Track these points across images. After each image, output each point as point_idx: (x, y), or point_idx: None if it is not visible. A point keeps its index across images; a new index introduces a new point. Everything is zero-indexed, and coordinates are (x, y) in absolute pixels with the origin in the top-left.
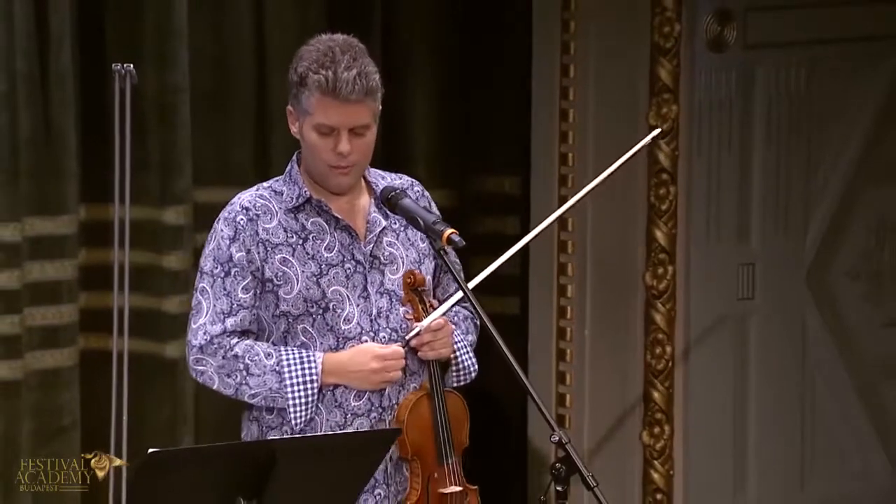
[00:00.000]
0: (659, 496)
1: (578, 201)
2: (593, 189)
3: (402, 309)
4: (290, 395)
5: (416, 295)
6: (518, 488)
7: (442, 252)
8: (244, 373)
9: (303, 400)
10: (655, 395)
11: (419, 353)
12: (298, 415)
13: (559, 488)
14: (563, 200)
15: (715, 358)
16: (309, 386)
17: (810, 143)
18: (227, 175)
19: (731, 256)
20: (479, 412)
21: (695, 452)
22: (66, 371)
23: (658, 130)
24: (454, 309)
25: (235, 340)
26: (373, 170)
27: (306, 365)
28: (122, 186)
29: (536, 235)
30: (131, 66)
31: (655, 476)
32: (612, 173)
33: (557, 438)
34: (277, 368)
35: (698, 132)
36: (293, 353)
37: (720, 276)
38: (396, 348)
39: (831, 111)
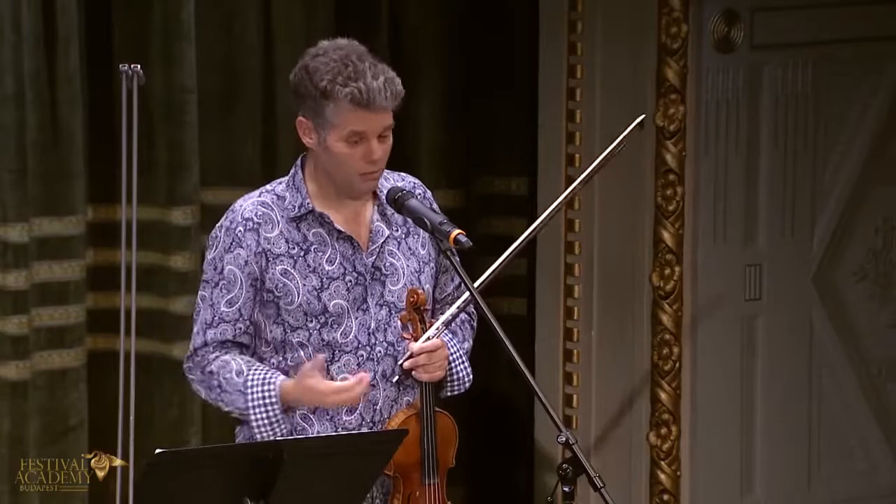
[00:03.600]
0: (666, 497)
1: (573, 192)
2: (590, 178)
3: (395, 325)
4: (252, 416)
5: (418, 314)
6: (525, 489)
7: (448, 253)
8: (218, 389)
9: (265, 420)
10: (662, 395)
11: (413, 374)
12: (263, 435)
13: (566, 489)
14: (569, 201)
15: (722, 358)
16: (269, 407)
17: (817, 144)
18: (235, 176)
19: (738, 257)
20: (485, 412)
21: (702, 453)
22: (73, 371)
23: (643, 116)
24: (453, 312)
25: (214, 355)
26: None
27: (266, 387)
28: (130, 187)
29: (539, 228)
30: (139, 66)
31: (662, 477)
32: (607, 161)
33: (564, 439)
34: (242, 389)
35: (705, 132)
36: (257, 374)
37: (727, 276)
38: (350, 383)
39: (838, 111)
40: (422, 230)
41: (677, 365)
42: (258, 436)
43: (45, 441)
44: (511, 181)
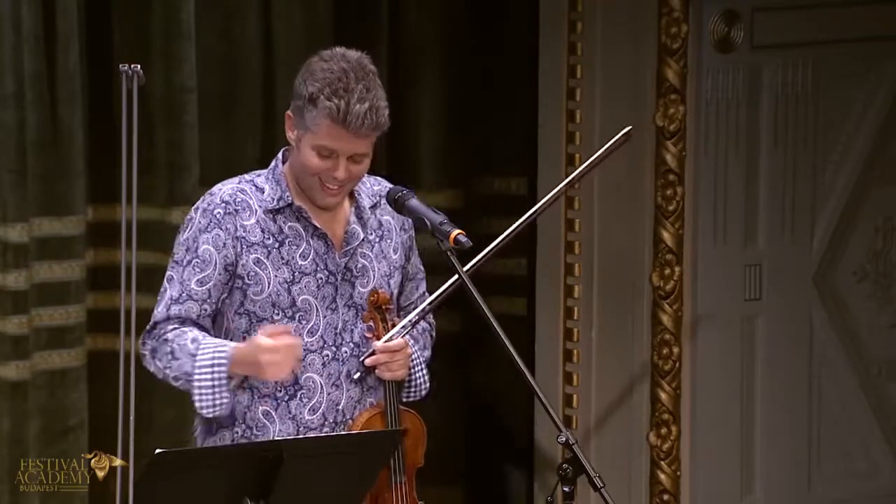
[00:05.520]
0: (666, 497)
1: (560, 192)
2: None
3: (361, 326)
4: (195, 378)
5: (379, 314)
6: (525, 489)
7: (448, 253)
8: (169, 356)
9: (207, 383)
10: (662, 395)
11: (376, 372)
12: (202, 398)
13: (566, 489)
14: (569, 201)
15: (722, 358)
16: (216, 370)
17: (817, 144)
18: (234, 176)
19: (737, 257)
20: (485, 412)
21: (702, 453)
22: (73, 371)
23: (629, 128)
24: (417, 314)
25: (172, 327)
26: None
27: (218, 349)
28: (130, 187)
29: (520, 228)
30: (138, 66)
31: (662, 477)
32: (591, 168)
33: (564, 439)
34: (194, 352)
35: (705, 133)
36: (212, 340)
37: (727, 276)
38: (286, 340)
39: (838, 111)
40: (394, 235)
41: (677, 365)
42: (196, 403)
43: (45, 441)
44: (511, 181)
